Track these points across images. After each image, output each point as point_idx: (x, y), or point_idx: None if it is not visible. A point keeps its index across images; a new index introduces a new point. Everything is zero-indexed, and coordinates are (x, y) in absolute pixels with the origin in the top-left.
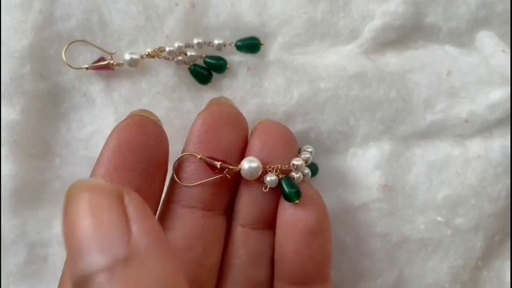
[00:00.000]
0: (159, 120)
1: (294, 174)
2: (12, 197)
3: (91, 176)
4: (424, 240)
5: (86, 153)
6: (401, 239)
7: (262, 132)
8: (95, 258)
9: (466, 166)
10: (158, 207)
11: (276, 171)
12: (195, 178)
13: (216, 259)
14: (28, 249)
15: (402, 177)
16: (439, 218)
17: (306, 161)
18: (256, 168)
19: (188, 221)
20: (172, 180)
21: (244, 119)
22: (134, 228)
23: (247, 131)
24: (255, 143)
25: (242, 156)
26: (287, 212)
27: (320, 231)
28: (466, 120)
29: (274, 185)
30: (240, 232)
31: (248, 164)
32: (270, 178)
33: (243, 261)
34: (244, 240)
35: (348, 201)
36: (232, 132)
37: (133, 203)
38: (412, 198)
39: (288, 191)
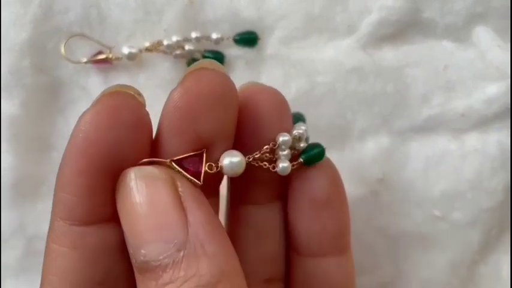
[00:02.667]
0: (139, 95)
1: (280, 153)
2: (11, 190)
3: (60, 169)
4: (422, 234)
5: None
6: (399, 232)
7: (248, 99)
8: (158, 246)
9: (462, 160)
10: None
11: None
12: None
13: None
14: (27, 243)
15: (399, 171)
16: (436, 212)
17: (298, 139)
18: (238, 163)
19: None
20: None
21: (231, 91)
22: (190, 216)
23: (236, 107)
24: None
25: (230, 139)
26: (295, 184)
27: (331, 202)
28: (463, 115)
29: (287, 172)
30: (244, 211)
31: (229, 159)
32: (283, 165)
33: (252, 240)
34: (250, 218)
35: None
36: (215, 115)
37: (186, 190)
38: (409, 192)
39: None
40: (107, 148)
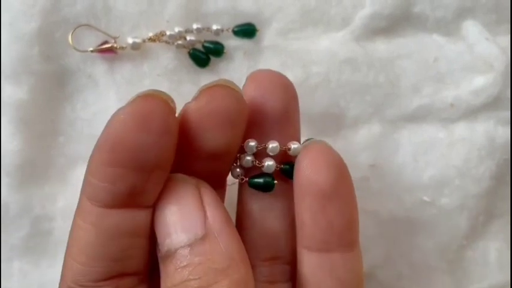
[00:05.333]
0: (172, 101)
1: (266, 163)
2: (18, 172)
3: (91, 155)
4: (411, 219)
5: (89, 132)
6: (389, 217)
7: (254, 81)
8: (180, 237)
9: (451, 148)
10: (152, 198)
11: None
12: None
13: None
14: (33, 223)
15: (390, 158)
16: (425, 198)
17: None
18: None
19: None
20: None
21: (241, 111)
22: (208, 214)
23: (244, 124)
24: (248, 93)
25: (234, 152)
26: (300, 175)
27: (337, 195)
28: (452, 105)
29: (272, 170)
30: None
31: None
32: (268, 163)
33: (256, 214)
34: (256, 193)
35: None
36: (224, 134)
37: (206, 193)
38: (400, 178)
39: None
40: (134, 148)
